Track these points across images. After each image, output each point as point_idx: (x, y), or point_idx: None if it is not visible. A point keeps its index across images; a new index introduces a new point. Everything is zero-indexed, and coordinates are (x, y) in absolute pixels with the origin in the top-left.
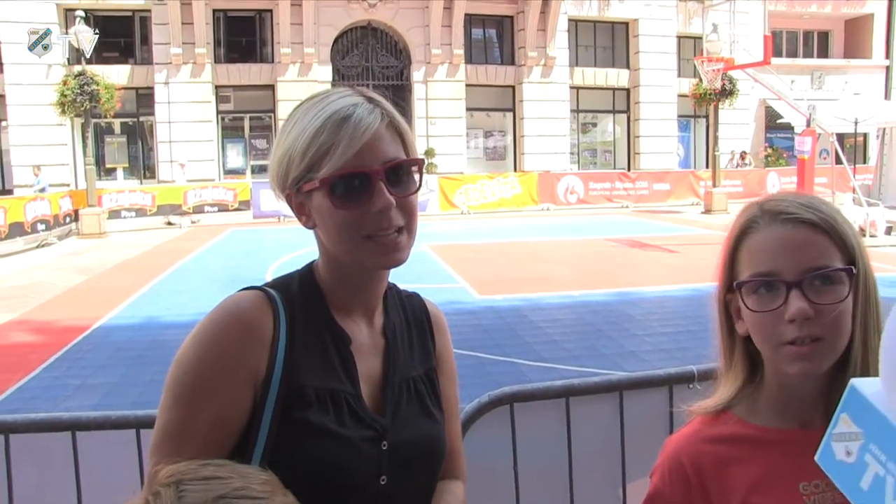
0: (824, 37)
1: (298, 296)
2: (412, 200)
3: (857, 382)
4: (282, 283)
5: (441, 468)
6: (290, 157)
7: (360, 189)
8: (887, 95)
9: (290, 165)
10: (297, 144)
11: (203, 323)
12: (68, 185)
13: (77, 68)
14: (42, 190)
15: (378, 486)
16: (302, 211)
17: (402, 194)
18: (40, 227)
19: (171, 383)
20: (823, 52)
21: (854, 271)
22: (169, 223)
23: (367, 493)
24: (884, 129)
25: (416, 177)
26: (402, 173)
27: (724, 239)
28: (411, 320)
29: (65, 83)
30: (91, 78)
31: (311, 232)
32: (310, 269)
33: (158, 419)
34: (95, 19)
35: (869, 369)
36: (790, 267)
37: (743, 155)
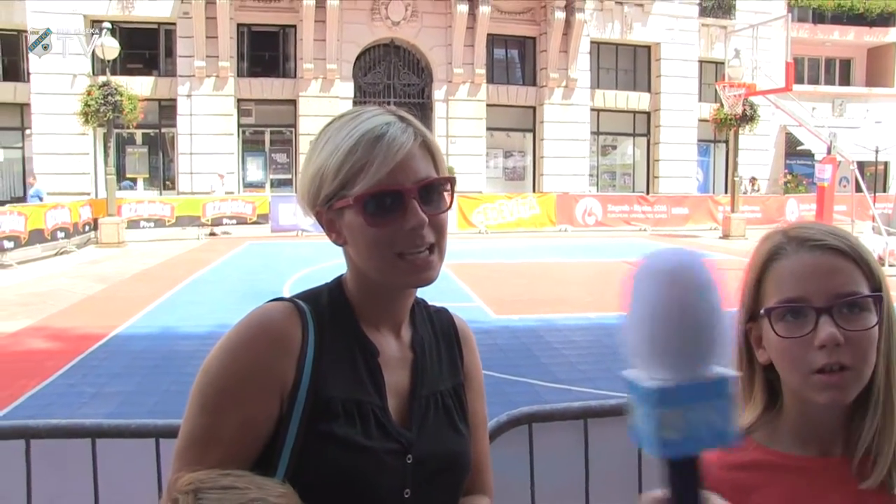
0: (846, 64)
1: (327, 308)
2: (443, 219)
3: (626, 374)
4: (311, 296)
5: (465, 483)
6: (322, 174)
7: (393, 207)
8: None
9: (323, 182)
10: (331, 162)
11: (232, 332)
12: (88, 195)
13: (101, 79)
14: (40, 199)
15: (402, 499)
16: (332, 228)
17: (433, 212)
18: (60, 234)
19: (198, 391)
20: (845, 80)
21: (882, 298)
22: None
23: None
24: None
25: (447, 195)
26: (433, 192)
27: (745, 266)
28: (440, 335)
29: (89, 93)
30: (115, 88)
31: (328, 246)
32: (339, 282)
33: (183, 426)
34: (121, 31)
35: (892, 399)
36: (819, 293)
37: (752, 180)
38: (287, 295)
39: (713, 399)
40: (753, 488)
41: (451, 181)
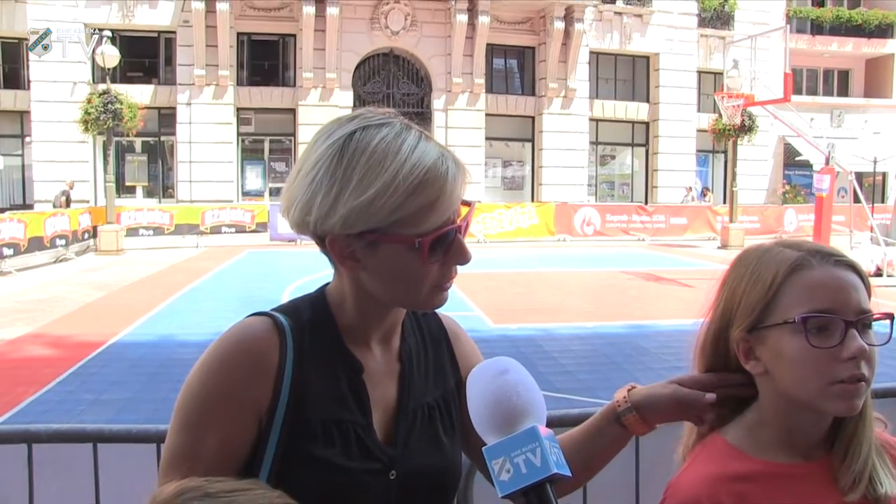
0: (844, 75)
1: (309, 322)
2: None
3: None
4: (292, 308)
5: (452, 498)
6: (371, 203)
7: (448, 243)
8: None
9: (367, 214)
10: (387, 194)
11: (210, 350)
12: (88, 202)
13: (101, 87)
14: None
15: None
16: (351, 256)
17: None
18: (59, 242)
19: (179, 408)
20: (844, 91)
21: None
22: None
23: None
24: None
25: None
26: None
27: (745, 277)
28: (428, 341)
29: (89, 101)
30: (115, 97)
31: (325, 256)
32: (322, 293)
33: (167, 442)
34: (122, 39)
35: (867, 407)
36: (847, 307)
37: (689, 189)
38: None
39: (525, 445)
40: (751, 499)
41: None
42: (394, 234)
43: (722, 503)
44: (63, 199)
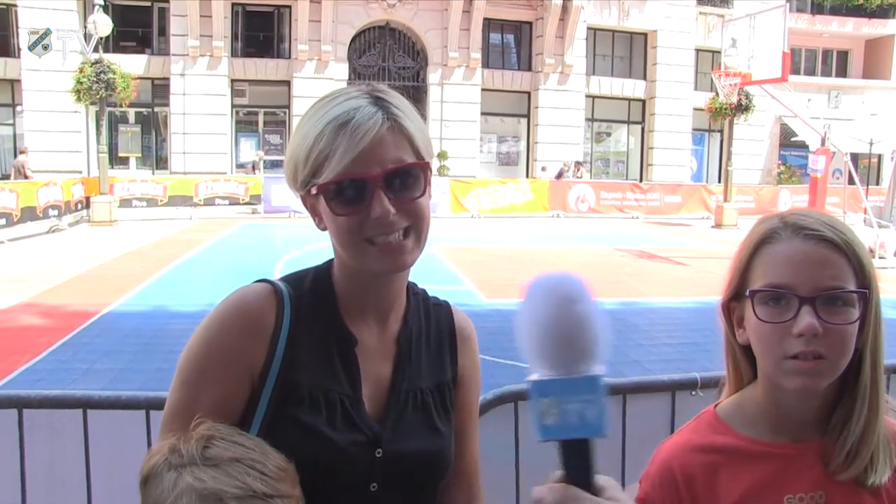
0: (843, 56)
1: (309, 292)
2: (418, 204)
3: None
4: (296, 278)
5: (440, 483)
6: (295, 160)
7: (358, 195)
8: None
9: (297, 169)
10: (301, 149)
11: (212, 313)
12: (81, 173)
13: (94, 56)
14: None
15: (367, 492)
16: (315, 212)
17: (404, 199)
18: (52, 212)
19: (179, 366)
20: (842, 72)
21: (868, 295)
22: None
23: (355, 496)
24: None
25: (423, 180)
26: (405, 177)
27: (738, 246)
28: (433, 330)
29: (81, 71)
30: (108, 66)
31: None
32: (327, 266)
33: (168, 398)
34: (114, 8)
35: (878, 389)
36: (806, 282)
37: (578, 165)
38: (281, 275)
39: (584, 393)
40: (723, 471)
41: (424, 166)
42: (313, 184)
43: (692, 472)
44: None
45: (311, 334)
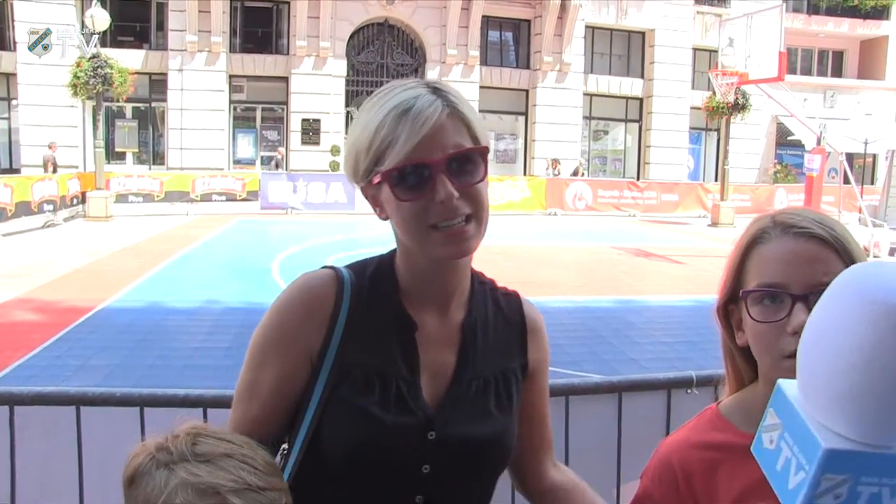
0: (839, 56)
1: (370, 279)
2: (479, 189)
3: (782, 383)
4: (359, 266)
5: (499, 470)
6: (356, 151)
7: (421, 180)
8: None
9: (358, 159)
10: (362, 139)
11: (278, 297)
12: (77, 167)
13: (91, 50)
14: None
15: (420, 474)
16: (376, 203)
17: (467, 183)
18: (47, 207)
19: (249, 348)
20: (837, 72)
21: None
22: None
23: (407, 477)
24: (893, 151)
25: (482, 165)
26: (466, 162)
27: (732, 248)
28: (501, 320)
29: (78, 65)
30: (105, 61)
31: (317, 224)
32: (390, 255)
33: (239, 377)
34: (112, 2)
35: None
36: (798, 280)
37: (555, 163)
38: (277, 271)
39: (892, 476)
40: (722, 469)
41: (483, 150)
42: (375, 173)
43: (691, 468)
44: (51, 163)
45: (371, 319)
